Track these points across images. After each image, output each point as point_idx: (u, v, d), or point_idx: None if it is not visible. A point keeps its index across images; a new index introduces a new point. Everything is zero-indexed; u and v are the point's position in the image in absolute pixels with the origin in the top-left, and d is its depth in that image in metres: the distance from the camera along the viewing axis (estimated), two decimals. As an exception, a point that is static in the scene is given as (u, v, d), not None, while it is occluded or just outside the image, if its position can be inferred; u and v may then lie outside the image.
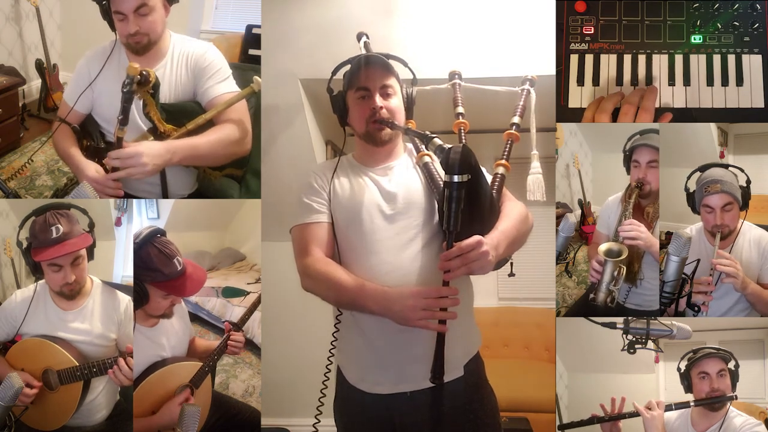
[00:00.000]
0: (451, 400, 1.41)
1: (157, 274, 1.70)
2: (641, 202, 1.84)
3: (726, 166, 1.77)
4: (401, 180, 1.48)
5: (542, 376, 2.91)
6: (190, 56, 1.79)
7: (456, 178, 1.23)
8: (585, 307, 1.80)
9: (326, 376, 1.52)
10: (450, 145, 1.27)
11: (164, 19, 1.76)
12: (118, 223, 2.26)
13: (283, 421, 2.77)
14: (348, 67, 1.52)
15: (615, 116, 1.62)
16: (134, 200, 1.93)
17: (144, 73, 1.61)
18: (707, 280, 1.68)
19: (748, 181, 1.74)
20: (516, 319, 3.45)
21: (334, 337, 1.48)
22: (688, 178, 1.78)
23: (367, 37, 1.85)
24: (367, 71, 1.46)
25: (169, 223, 2.59)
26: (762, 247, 1.74)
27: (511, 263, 1.54)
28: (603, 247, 1.72)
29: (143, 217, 2.57)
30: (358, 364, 1.47)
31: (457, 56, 2.16)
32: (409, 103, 1.53)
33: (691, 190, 1.78)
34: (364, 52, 1.80)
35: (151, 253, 1.70)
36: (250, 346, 2.27)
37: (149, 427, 1.70)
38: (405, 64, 1.59)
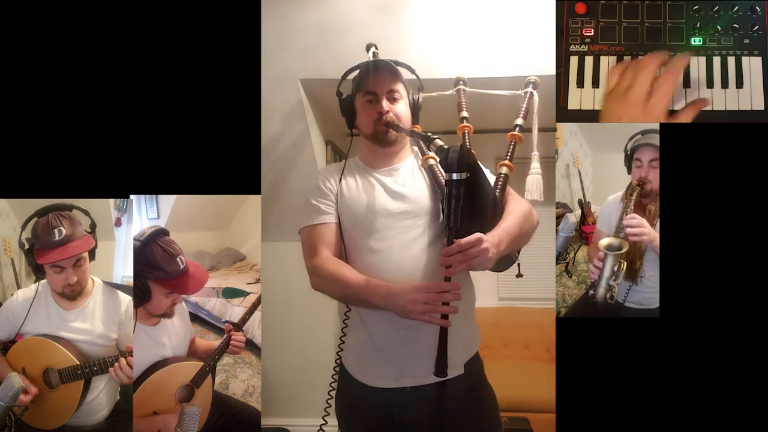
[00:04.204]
0: (451, 397, 1.44)
1: (160, 271, 1.71)
2: (642, 200, 1.85)
3: None
4: (407, 181, 1.51)
5: (542, 376, 2.92)
6: None
7: (455, 176, 1.27)
8: (585, 307, 1.80)
9: (333, 378, 1.54)
10: (450, 145, 1.30)
11: None
12: (118, 223, 2.26)
13: (283, 421, 2.78)
14: (357, 71, 1.57)
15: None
16: (134, 200, 1.93)
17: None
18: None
19: None
20: (516, 319, 3.46)
21: (343, 333, 1.50)
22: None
23: (376, 48, 1.87)
24: (375, 76, 1.51)
25: (169, 223, 2.59)
26: None
27: (519, 264, 1.56)
28: (604, 241, 1.73)
29: (143, 216, 2.58)
30: (360, 358, 1.49)
31: (457, 57, 2.16)
32: (415, 108, 1.58)
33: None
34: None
35: (155, 252, 1.71)
36: (250, 346, 2.27)
37: (150, 426, 1.70)
38: (412, 71, 1.62)
